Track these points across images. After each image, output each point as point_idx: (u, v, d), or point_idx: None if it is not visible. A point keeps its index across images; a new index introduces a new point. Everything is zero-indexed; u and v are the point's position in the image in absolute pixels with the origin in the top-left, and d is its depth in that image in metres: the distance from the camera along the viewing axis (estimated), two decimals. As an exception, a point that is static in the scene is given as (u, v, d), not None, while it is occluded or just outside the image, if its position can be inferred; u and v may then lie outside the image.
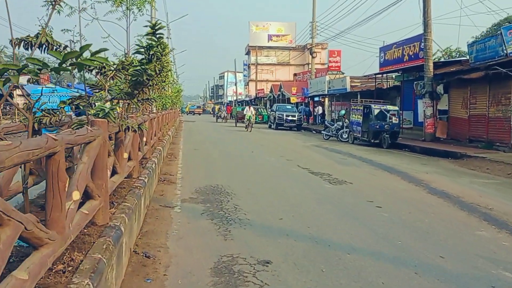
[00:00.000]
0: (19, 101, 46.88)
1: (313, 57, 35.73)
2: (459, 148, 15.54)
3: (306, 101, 40.88)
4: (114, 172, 4.35)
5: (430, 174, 10.42)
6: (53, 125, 4.14)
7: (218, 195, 7.37)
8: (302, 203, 6.87)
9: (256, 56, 65.75)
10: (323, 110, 37.30)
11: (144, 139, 7.37)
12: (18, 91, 49.25)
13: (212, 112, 74.41)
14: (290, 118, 29.76)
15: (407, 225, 5.73)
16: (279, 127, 30.12)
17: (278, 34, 78.69)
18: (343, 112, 20.78)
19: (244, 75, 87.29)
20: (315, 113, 36.89)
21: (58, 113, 4.15)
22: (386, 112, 17.88)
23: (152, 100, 4.50)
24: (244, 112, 28.54)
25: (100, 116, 3.44)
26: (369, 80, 32.89)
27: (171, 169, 10.11)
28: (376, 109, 17.83)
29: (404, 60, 20.63)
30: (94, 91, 4.34)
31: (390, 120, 17.65)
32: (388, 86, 26.91)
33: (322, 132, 21.87)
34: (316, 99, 37.25)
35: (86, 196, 3.12)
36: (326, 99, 38.99)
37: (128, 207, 4.17)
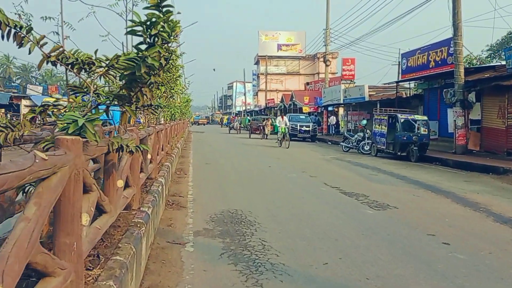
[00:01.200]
0: (26, 111, 46.34)
1: (326, 65, 34.41)
2: (498, 161, 13.99)
3: (319, 111, 39.49)
4: (100, 211, 2.99)
5: (481, 194, 8.92)
6: (10, 143, 2.82)
7: (238, 224, 5.98)
8: (345, 238, 5.44)
9: (266, 65, 64.71)
10: (337, 120, 35.87)
11: (149, 156, 6.03)
12: (26, 102, 48.71)
13: (220, 123, 73.25)
14: (304, 128, 28.37)
15: (501, 275, 4.27)
16: (292, 138, 28.67)
17: (288, 43, 77.75)
18: (364, 122, 19.36)
19: (253, 85, 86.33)
20: (328, 123, 35.46)
21: (18, 127, 2.84)
22: (413, 122, 16.40)
23: (156, 107, 3.19)
24: (277, 123, 23.65)
25: (69, 132, 2.12)
26: (386, 89, 31.52)
27: (180, 189, 8.76)
28: (403, 119, 16.36)
29: (430, 66, 19.21)
30: (74, 94, 3.03)
31: (418, 131, 16.17)
32: (408, 95, 25.42)
33: (341, 143, 20.41)
34: (330, 108, 35.84)
35: (37, 273, 1.77)
36: (341, 109, 37.58)
37: (120, 265, 2.80)
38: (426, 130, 16.41)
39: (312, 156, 17.18)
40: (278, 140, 21.48)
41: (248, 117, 51.62)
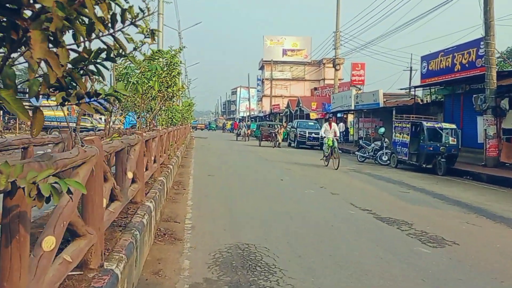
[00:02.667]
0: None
1: (336, 70, 32.78)
2: (540, 177, 12.29)
3: (327, 117, 37.79)
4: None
5: (548, 221, 7.21)
6: None
7: (252, 270, 4.30)
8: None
9: (271, 70, 63.26)
10: (346, 127, 34.18)
11: (129, 175, 4.35)
12: (26, 104, 47.59)
13: (223, 128, 71.70)
14: (313, 135, 26.68)
15: None
16: (300, 146, 27.06)
17: (293, 48, 76.51)
18: (382, 130, 17.69)
19: (258, 91, 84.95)
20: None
21: None
22: (440, 131, 14.71)
23: (107, 99, 1.64)
24: (322, 133, 16.00)
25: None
26: (398, 96, 29.82)
27: (177, 210, 7.08)
28: (428, 127, 14.67)
29: (455, 70, 17.55)
30: None
31: (446, 141, 14.47)
32: (426, 101, 23.71)
33: (356, 153, 18.70)
34: (339, 115, 34.18)
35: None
36: (350, 116, 35.91)
37: None
38: (455, 139, 14.71)
39: (325, 167, 15.47)
40: (324, 156, 15.76)
41: (257, 123, 49.96)
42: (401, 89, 24.69)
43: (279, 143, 27.17)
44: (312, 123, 29.02)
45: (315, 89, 53.91)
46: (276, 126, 31.53)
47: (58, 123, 33.18)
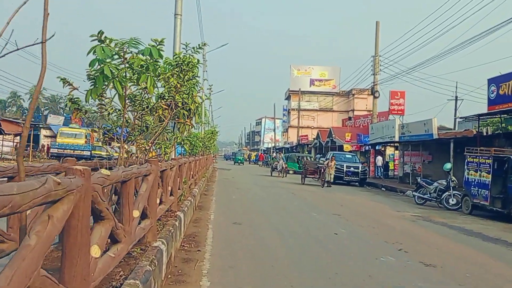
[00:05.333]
0: (45, 142, 43.51)
1: (375, 97, 29.69)
2: None
3: (363, 150, 34.42)
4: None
5: None
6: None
7: None
8: None
9: (299, 100, 60.83)
10: (384, 161, 30.67)
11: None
12: (45, 132, 45.92)
13: (248, 159, 68.60)
14: (352, 170, 23.32)
15: None
16: (336, 181, 23.69)
17: (321, 78, 74.31)
18: (449, 165, 14.34)
19: (284, 121, 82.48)
20: (376, 165, 30.27)
21: None
22: (537, 169, 11.27)
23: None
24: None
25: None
26: (443, 128, 26.36)
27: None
28: (520, 163, 11.27)
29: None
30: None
31: (544, 182, 11.00)
32: (488, 132, 20.15)
33: (413, 193, 15.27)
34: (377, 147, 30.78)
35: None
36: (388, 148, 32.44)
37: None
38: (557, 181, 11.20)
39: (382, 212, 12.15)
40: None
41: (284, 154, 46.73)
42: (461, 117, 21.36)
43: (330, 182, 21.35)
44: (350, 156, 25.69)
45: (349, 118, 50.71)
46: (317, 159, 26.50)
47: (72, 151, 31.26)
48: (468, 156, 13.17)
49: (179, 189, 7.50)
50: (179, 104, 5.04)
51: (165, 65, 5.34)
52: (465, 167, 13.25)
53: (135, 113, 4.70)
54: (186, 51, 6.32)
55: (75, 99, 4.55)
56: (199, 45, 6.50)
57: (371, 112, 46.75)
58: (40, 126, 43.92)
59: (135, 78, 3.71)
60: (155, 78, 4.61)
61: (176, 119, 5.72)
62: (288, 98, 76.14)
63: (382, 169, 30.16)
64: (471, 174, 12.85)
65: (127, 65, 3.55)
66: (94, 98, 3.60)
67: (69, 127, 37.22)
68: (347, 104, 68.38)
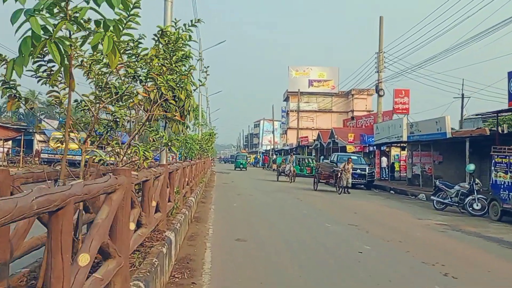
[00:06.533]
0: (39, 147, 41.91)
1: (380, 95, 28.37)
2: None
3: (367, 151, 33.04)
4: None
5: None
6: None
7: None
8: None
9: (298, 101, 59.53)
10: (389, 162, 29.30)
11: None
12: (39, 137, 44.18)
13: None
14: (358, 172, 21.94)
15: None
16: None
17: (320, 79, 73.19)
18: (472, 167, 13.00)
19: (282, 123, 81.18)
20: (382, 166, 28.90)
21: None
22: None
23: None
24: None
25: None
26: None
27: None
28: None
29: None
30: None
31: None
32: (506, 131, 18.81)
33: (432, 197, 13.89)
34: (382, 148, 29.41)
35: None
36: (393, 149, 31.08)
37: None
38: None
39: (403, 220, 10.76)
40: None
41: (279, 157, 45.17)
42: (477, 115, 20.04)
43: (348, 188, 18.76)
44: (356, 157, 24.29)
45: (352, 118, 49.32)
46: (331, 162, 23.02)
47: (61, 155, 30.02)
48: (496, 156, 11.81)
49: (169, 201, 6.10)
50: (163, 90, 3.66)
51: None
52: (492, 168, 11.90)
53: (99, 102, 3.33)
54: (176, 29, 4.96)
55: (12, 83, 3.17)
56: (191, 21, 5.12)
57: (373, 112, 45.56)
58: (33, 131, 42.36)
59: (85, 39, 2.37)
60: (129, 51, 3.23)
61: (163, 112, 4.32)
62: (286, 99, 74.82)
63: (387, 171, 28.81)
64: (500, 176, 11.50)
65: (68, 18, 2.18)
66: (19, 73, 2.22)
67: (62, 132, 35.78)
68: (347, 104, 67.18)
